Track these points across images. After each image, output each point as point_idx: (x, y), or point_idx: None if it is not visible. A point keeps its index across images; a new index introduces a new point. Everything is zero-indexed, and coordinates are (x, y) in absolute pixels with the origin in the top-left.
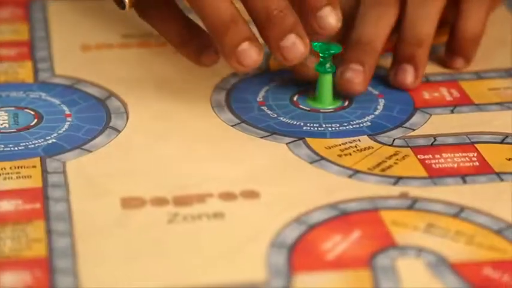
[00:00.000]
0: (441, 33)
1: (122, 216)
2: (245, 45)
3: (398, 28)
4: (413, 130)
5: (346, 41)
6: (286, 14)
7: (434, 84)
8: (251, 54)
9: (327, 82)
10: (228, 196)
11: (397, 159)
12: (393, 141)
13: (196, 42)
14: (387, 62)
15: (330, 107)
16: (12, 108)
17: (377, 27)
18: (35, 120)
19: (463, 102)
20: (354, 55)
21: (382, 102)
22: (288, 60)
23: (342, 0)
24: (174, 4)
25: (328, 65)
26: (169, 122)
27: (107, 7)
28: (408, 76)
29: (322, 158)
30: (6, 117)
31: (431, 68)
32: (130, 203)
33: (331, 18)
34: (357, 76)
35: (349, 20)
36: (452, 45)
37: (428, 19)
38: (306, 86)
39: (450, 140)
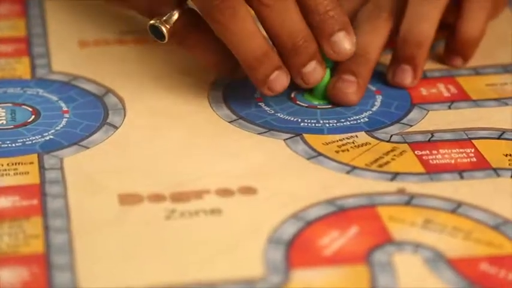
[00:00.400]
0: (441, 34)
1: (120, 212)
2: (275, 74)
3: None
4: (411, 126)
5: None
6: (309, 43)
7: (431, 80)
8: (281, 81)
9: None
10: (225, 192)
11: (394, 155)
12: (390, 137)
13: (231, 60)
14: (385, 58)
15: (327, 102)
16: (10, 105)
17: (372, 38)
18: (33, 116)
19: (460, 98)
20: (347, 66)
21: (379, 98)
22: (308, 84)
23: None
24: (209, 28)
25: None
26: (167, 118)
27: (104, 3)
28: (407, 76)
29: (320, 154)
30: (3, 114)
31: (429, 64)
32: (127, 199)
33: (345, 44)
34: (349, 86)
35: None
36: (451, 45)
37: (429, 20)
38: None
39: (447, 136)
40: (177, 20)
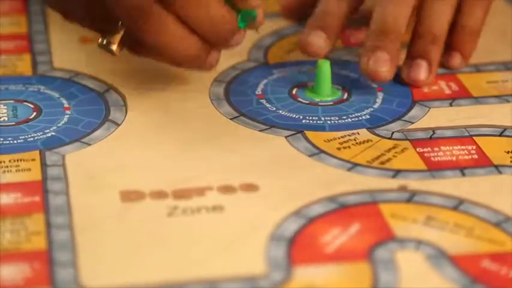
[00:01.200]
0: None
1: (121, 209)
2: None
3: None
4: (412, 123)
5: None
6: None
7: None
8: (215, 57)
9: (325, 71)
10: (227, 189)
11: (396, 152)
12: (392, 134)
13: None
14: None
15: (329, 99)
16: (11, 101)
17: (400, 10)
18: (34, 113)
19: (461, 95)
20: (376, 43)
21: (381, 95)
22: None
23: None
24: None
25: None
26: (168, 115)
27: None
28: (422, 71)
29: (321, 151)
30: (5, 111)
31: None
32: (129, 196)
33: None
34: (383, 64)
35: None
36: (450, 41)
37: (443, 15)
38: (305, 79)
39: (449, 133)
40: (123, 34)
